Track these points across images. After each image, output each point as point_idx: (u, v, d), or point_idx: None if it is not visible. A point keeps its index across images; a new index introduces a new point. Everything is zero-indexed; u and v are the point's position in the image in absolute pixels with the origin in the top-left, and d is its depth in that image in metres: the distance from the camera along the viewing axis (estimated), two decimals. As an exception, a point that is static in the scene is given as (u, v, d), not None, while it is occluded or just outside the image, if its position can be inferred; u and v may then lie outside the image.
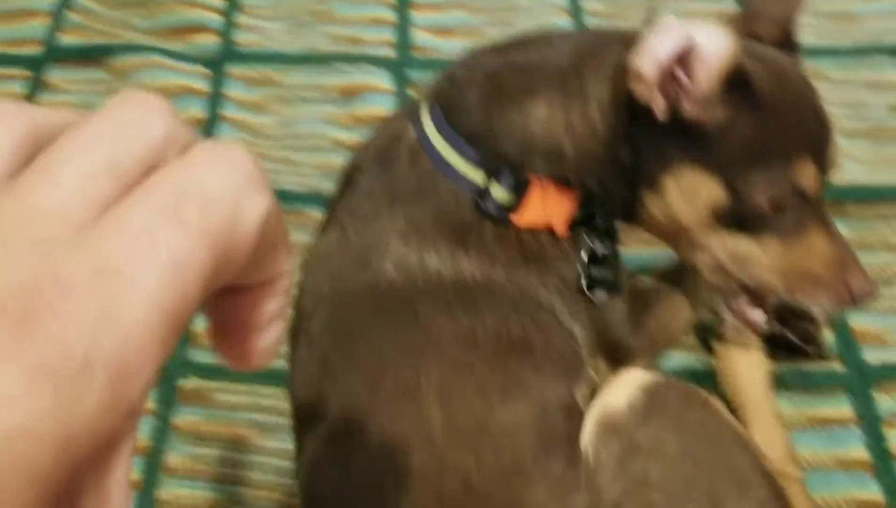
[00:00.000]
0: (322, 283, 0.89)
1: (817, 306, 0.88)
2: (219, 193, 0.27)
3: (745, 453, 0.84)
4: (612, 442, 0.81)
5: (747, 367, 1.05)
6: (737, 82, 0.80)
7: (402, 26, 1.51)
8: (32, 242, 0.25)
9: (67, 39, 1.51)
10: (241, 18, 1.54)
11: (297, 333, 0.89)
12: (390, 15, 1.53)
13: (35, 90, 1.44)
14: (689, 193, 0.84)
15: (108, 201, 0.27)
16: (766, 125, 0.83)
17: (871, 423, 1.07)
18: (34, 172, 0.28)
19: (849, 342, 1.13)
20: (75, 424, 0.24)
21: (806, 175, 0.83)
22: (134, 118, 0.30)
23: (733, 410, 1.04)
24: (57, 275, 0.24)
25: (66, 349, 0.24)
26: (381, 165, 0.89)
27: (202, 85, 1.43)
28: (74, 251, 0.25)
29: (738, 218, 0.84)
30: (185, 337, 1.14)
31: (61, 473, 0.24)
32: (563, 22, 1.50)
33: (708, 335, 1.10)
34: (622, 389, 0.85)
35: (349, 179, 0.95)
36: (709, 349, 1.10)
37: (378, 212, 0.87)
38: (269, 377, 1.08)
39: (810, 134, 0.85)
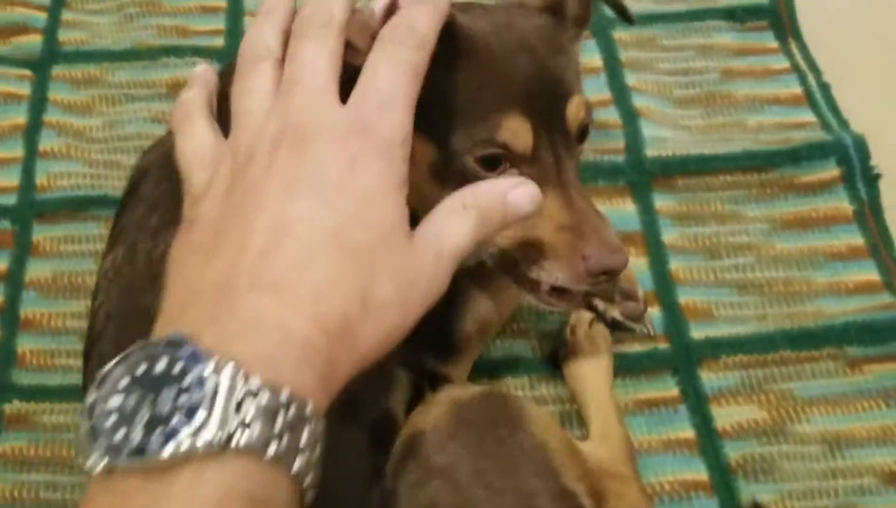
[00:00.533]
0: (113, 301, 0.86)
1: (552, 279, 0.80)
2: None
3: (540, 474, 0.82)
4: (410, 468, 0.80)
5: (593, 368, 1.05)
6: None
7: (234, 13, 1.46)
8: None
9: None
10: (67, 15, 1.46)
11: (89, 353, 0.87)
12: (221, 1, 1.48)
13: None
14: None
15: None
16: (470, 81, 0.78)
17: (696, 401, 1.07)
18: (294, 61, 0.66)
19: (677, 318, 1.12)
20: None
21: (513, 133, 0.77)
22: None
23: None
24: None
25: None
26: (169, 167, 0.81)
27: (25, 89, 1.35)
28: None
29: (462, 182, 0.76)
30: (7, 359, 1.11)
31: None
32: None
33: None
34: (432, 408, 0.84)
35: (133, 185, 0.92)
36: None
37: (165, 221, 0.83)
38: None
39: (524, 90, 0.79)
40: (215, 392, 0.46)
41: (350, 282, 0.56)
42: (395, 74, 0.64)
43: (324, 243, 0.57)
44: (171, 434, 0.45)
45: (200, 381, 0.47)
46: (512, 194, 0.66)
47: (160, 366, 0.48)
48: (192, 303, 0.55)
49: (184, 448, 0.45)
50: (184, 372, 0.47)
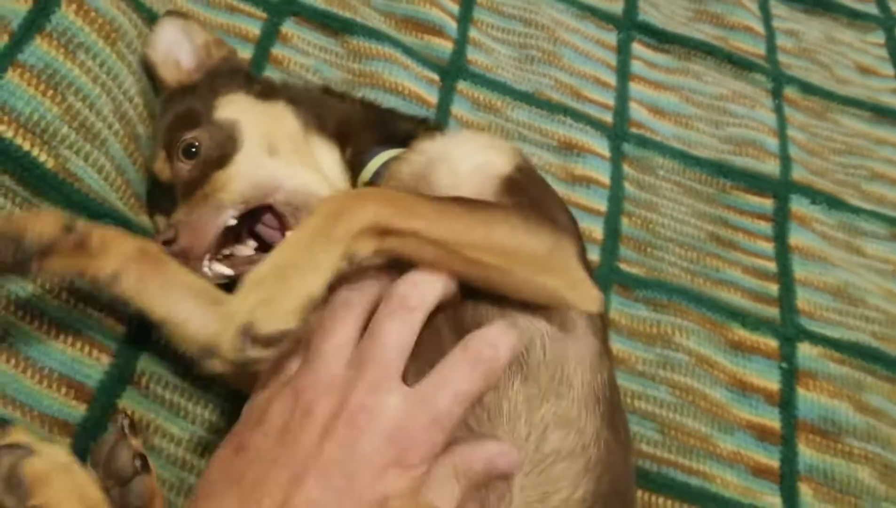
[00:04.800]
0: None
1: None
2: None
3: None
4: None
5: None
6: None
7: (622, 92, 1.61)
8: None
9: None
10: (473, 33, 1.56)
11: None
12: (612, 79, 1.62)
13: (269, 39, 1.40)
14: None
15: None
16: None
17: None
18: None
19: None
20: None
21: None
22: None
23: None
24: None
25: None
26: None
27: (433, 96, 1.44)
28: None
29: None
30: None
31: None
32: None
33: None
34: None
35: None
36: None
37: None
38: None
39: None
40: None
41: None
42: (458, 397, 0.74)
43: None
44: None
45: None
46: (500, 459, 0.77)
47: None
48: None
49: None
50: None
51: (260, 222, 1.02)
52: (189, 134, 1.03)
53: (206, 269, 0.95)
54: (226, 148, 1.03)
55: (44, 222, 0.85)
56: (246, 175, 1.01)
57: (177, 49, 1.17)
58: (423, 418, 0.72)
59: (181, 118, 1.07)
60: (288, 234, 0.98)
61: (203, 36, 1.19)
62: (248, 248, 1.01)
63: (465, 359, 0.76)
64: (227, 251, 0.99)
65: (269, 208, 1.01)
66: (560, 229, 0.91)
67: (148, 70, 1.17)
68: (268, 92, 1.13)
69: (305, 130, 1.09)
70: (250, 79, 1.18)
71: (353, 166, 1.08)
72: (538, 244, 0.85)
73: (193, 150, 1.02)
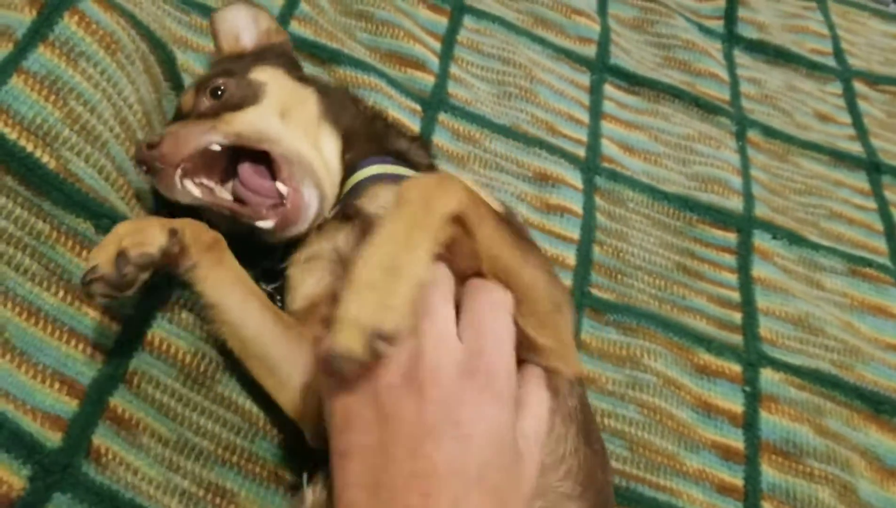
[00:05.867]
0: None
1: None
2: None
3: None
4: None
5: None
6: None
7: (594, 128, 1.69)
8: None
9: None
10: (454, 69, 1.64)
11: None
12: (585, 116, 1.71)
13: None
14: None
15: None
16: None
17: None
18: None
19: None
20: None
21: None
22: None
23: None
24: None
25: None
26: None
27: (415, 124, 1.49)
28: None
29: None
30: None
31: None
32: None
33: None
34: None
35: None
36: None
37: None
38: None
39: None
40: None
41: None
42: (496, 306, 0.80)
43: (469, 489, 0.71)
44: None
45: None
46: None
47: None
48: None
49: None
50: None
51: (239, 181, 1.09)
52: (221, 80, 1.13)
53: (177, 181, 1.04)
54: (246, 99, 1.12)
55: (153, 234, 0.94)
56: (251, 121, 1.10)
57: (242, 31, 1.28)
58: (486, 340, 0.77)
59: (221, 70, 1.17)
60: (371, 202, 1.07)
61: (268, 22, 1.31)
62: (225, 192, 1.09)
63: (476, 290, 0.81)
64: (205, 181, 1.07)
65: (264, 155, 1.08)
66: (567, 293, 0.96)
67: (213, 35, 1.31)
68: (304, 79, 1.23)
69: (320, 118, 1.17)
70: (294, 64, 1.28)
71: (346, 168, 1.15)
72: (547, 298, 0.88)
73: (219, 92, 1.12)
